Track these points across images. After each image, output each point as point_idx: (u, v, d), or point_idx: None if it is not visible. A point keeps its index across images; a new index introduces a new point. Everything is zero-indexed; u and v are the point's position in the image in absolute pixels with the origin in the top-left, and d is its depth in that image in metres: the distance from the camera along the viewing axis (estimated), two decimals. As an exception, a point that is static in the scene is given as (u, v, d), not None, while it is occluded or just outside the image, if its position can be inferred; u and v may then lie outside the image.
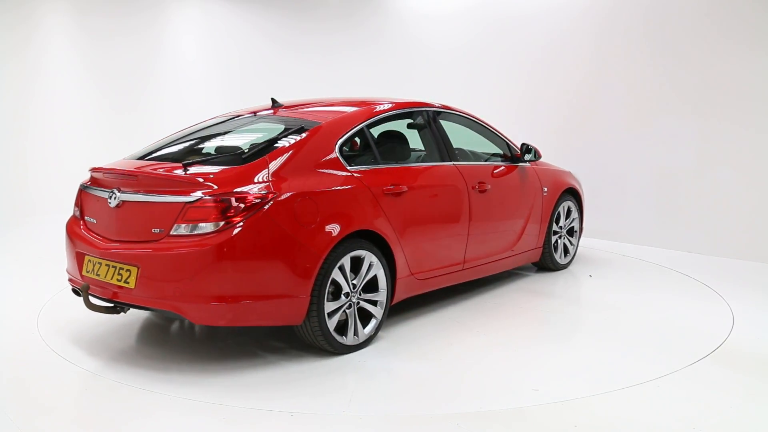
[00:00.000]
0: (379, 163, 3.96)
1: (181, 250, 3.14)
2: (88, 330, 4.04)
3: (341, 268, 3.50)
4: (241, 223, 3.15)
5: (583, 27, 7.20)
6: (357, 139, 4.06)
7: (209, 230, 3.14)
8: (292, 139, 3.61)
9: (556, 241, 5.50)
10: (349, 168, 3.71)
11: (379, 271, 3.72)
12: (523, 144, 5.12)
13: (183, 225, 3.18)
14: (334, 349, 3.54)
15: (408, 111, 4.42)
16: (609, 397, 3.08)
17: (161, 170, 3.49)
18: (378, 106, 4.20)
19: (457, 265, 4.41)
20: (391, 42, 9.28)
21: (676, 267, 5.75)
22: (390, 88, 8.37)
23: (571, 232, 5.69)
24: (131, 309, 3.62)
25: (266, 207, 3.21)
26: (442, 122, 4.63)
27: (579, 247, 6.08)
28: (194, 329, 4.07)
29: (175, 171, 3.41)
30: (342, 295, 3.54)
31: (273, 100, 4.44)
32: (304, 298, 3.33)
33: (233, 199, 3.18)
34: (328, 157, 3.63)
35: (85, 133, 8.76)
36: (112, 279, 3.36)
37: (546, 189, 5.22)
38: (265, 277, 3.23)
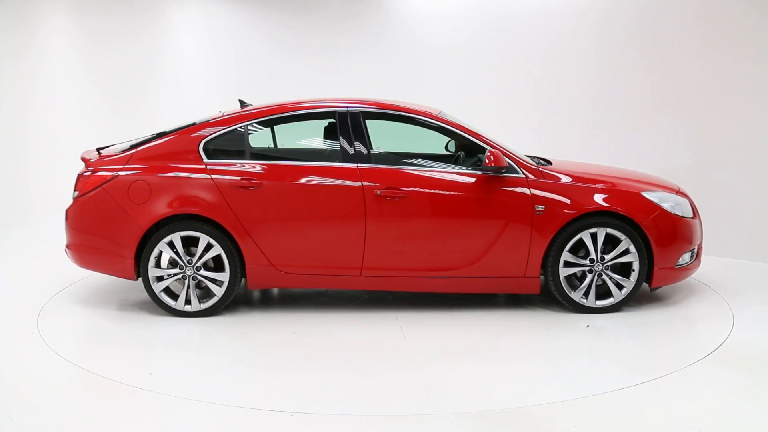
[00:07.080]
0: (243, 159, 4.34)
1: (68, 209, 4.38)
2: (89, 330, 4.05)
3: (171, 244, 4.20)
4: (89, 194, 4.25)
5: (584, 26, 7.19)
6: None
7: (77, 196, 4.31)
8: (169, 134, 4.38)
9: (581, 276, 4.38)
10: (205, 162, 4.26)
11: (222, 254, 4.22)
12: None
13: (74, 192, 4.35)
14: (163, 309, 4.28)
15: (307, 113, 4.47)
16: (609, 397, 3.08)
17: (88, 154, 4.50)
18: (268, 108, 4.46)
19: (352, 269, 4.29)
20: (393, 43, 9.28)
21: (676, 267, 5.75)
22: (392, 89, 8.37)
23: (626, 270, 4.41)
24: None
25: (105, 184, 4.22)
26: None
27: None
28: (194, 329, 4.08)
29: (91, 154, 4.48)
30: (178, 267, 4.24)
31: (240, 101, 4.84)
32: (129, 259, 4.23)
33: (87, 176, 4.29)
34: (188, 151, 4.30)
35: (85, 133, 8.74)
36: None
37: (542, 207, 4.27)
38: (100, 236, 4.29)
